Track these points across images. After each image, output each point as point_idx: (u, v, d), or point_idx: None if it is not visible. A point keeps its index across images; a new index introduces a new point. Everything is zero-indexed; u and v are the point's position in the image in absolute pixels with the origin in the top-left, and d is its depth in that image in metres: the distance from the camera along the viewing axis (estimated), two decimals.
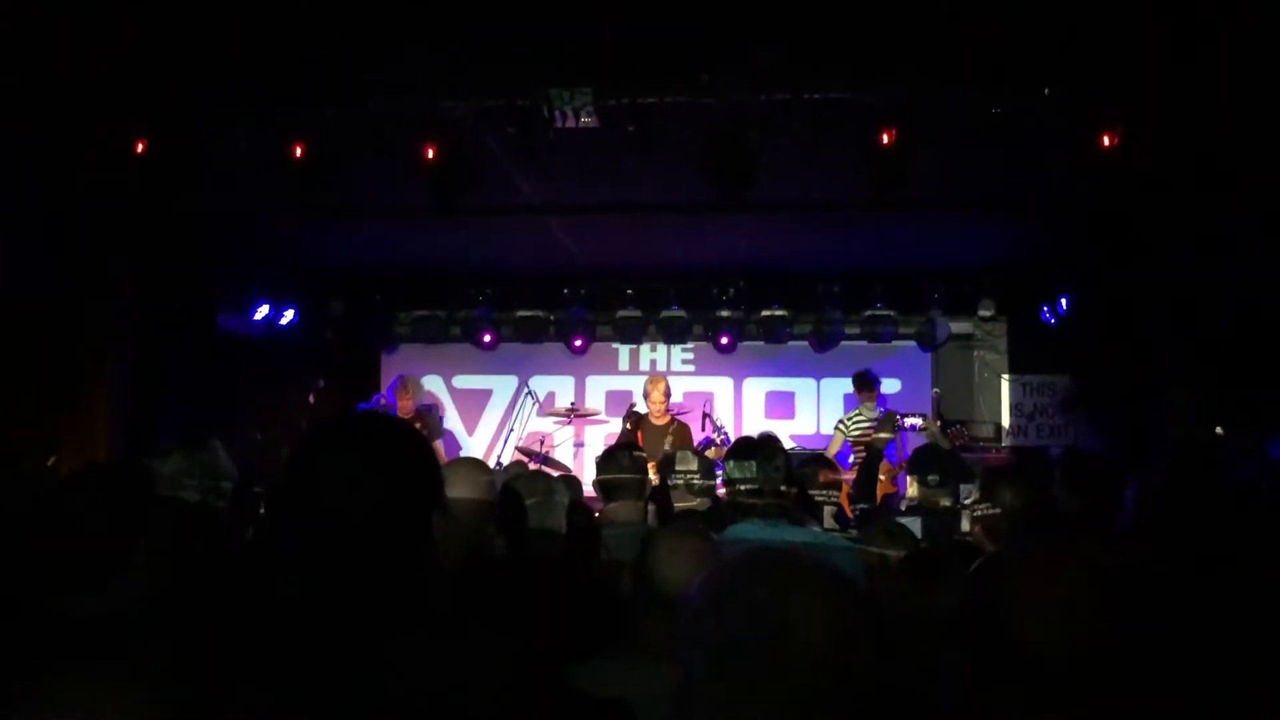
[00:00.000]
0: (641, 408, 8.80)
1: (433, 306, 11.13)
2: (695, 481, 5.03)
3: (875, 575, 3.45)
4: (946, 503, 4.97)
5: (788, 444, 7.92)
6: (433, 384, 11.43)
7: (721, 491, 3.65)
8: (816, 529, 3.37)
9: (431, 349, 11.28)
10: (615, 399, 10.61)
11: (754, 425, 10.79)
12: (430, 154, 6.86)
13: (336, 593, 1.57)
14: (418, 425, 9.36)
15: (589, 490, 8.16)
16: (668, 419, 8.82)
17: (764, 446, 3.39)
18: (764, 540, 3.13)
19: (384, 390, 10.65)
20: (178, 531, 2.35)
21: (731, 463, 3.38)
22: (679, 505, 4.49)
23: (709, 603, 1.24)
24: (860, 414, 9.29)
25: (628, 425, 8.98)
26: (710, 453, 9.02)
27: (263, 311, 10.23)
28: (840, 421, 9.35)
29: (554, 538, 3.50)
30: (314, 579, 1.58)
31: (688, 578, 2.45)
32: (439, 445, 9.75)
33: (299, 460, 1.65)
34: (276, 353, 10.34)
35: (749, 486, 3.32)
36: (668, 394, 8.97)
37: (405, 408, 9.79)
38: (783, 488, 3.31)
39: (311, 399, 10.10)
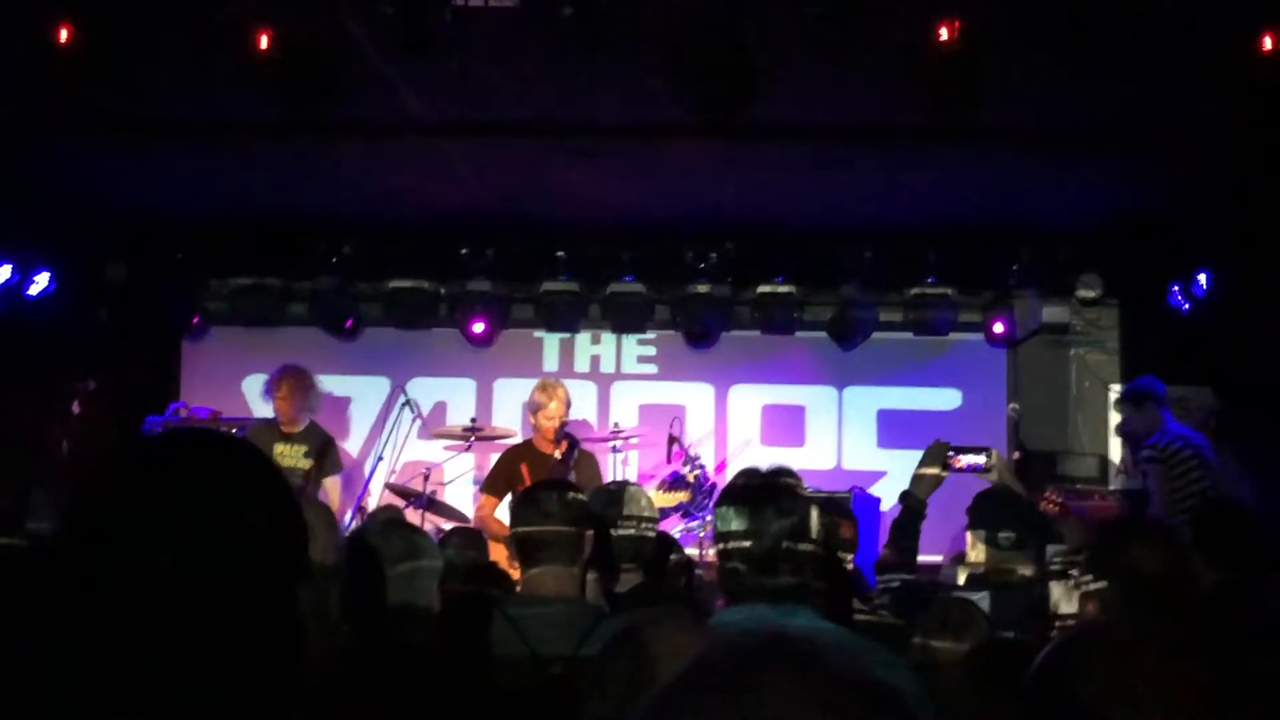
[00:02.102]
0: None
1: (262, 272, 11.13)
2: (644, 533, 5.13)
3: (934, 679, 3.57)
4: (1027, 571, 5.12)
5: None
6: (260, 387, 11.36)
7: (711, 554, 3.70)
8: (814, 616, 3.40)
9: (259, 335, 11.28)
10: None
11: (744, 455, 10.92)
12: (264, 44, 6.87)
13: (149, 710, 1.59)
14: (303, 450, 9.37)
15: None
16: (565, 445, 8.87)
17: (771, 487, 3.43)
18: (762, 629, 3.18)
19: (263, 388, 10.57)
20: None
21: (727, 509, 3.40)
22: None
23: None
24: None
25: (508, 455, 9.04)
26: (664, 496, 9.13)
27: (2, 274, 10.17)
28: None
29: (421, 620, 3.57)
30: (113, 694, 1.59)
31: None
32: (334, 482, 9.69)
33: (92, 513, 1.66)
34: (22, 338, 10.28)
35: (738, 545, 3.36)
36: (568, 407, 9.03)
37: (286, 416, 9.67)
38: (799, 545, 3.33)
39: (76, 408, 10.04)
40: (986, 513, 5.24)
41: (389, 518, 7.04)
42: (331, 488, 9.60)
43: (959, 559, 5.92)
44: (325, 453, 9.62)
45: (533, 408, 8.98)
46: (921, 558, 5.41)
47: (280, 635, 1.68)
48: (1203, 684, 1.84)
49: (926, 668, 3.82)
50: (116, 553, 1.61)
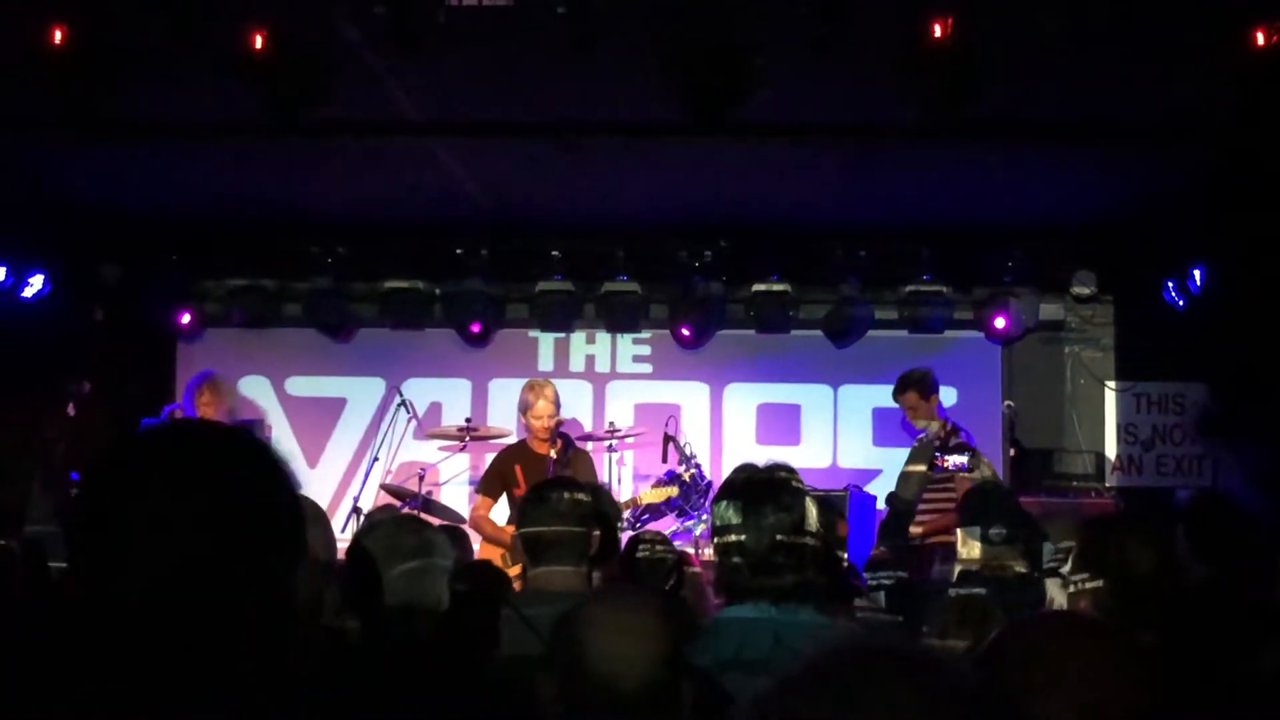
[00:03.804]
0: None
1: (258, 273, 11.13)
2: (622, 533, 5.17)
3: None
4: (1020, 568, 5.14)
5: None
6: (256, 388, 11.43)
7: (709, 552, 3.69)
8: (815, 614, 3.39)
9: (255, 336, 11.29)
10: None
11: (740, 453, 10.91)
12: (258, 44, 6.88)
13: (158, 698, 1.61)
14: None
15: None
16: (559, 445, 8.85)
17: (768, 482, 3.44)
18: (771, 633, 3.19)
19: (182, 398, 10.63)
20: None
21: (724, 504, 3.41)
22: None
23: None
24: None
25: (502, 456, 9.04)
26: (653, 492, 9.16)
27: None
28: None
29: (429, 618, 3.58)
30: (115, 686, 1.61)
31: (641, 671, 2.56)
32: None
33: (96, 498, 1.68)
34: (17, 339, 10.28)
35: (736, 540, 3.37)
36: (558, 405, 9.02)
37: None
38: (796, 539, 3.33)
39: (71, 410, 10.05)
40: (977, 510, 5.26)
41: (402, 515, 7.06)
42: None
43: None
44: None
45: (522, 408, 8.97)
46: None
47: (277, 623, 1.71)
48: (1142, 676, 1.87)
49: None
50: (118, 541, 1.64)
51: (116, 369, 10.92)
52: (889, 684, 1.25)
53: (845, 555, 5.12)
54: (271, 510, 1.73)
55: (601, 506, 4.84)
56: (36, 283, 10.44)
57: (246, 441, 1.78)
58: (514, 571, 6.69)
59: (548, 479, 5.38)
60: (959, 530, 5.31)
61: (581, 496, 4.29)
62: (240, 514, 1.68)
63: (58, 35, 6.83)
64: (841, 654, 1.30)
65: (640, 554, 5.78)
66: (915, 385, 9.42)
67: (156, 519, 1.64)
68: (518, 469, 8.77)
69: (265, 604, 1.69)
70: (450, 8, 6.56)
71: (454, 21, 6.59)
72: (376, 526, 3.76)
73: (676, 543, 7.22)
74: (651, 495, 9.11)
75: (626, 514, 8.99)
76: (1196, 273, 10.08)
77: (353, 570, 3.61)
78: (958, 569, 5.53)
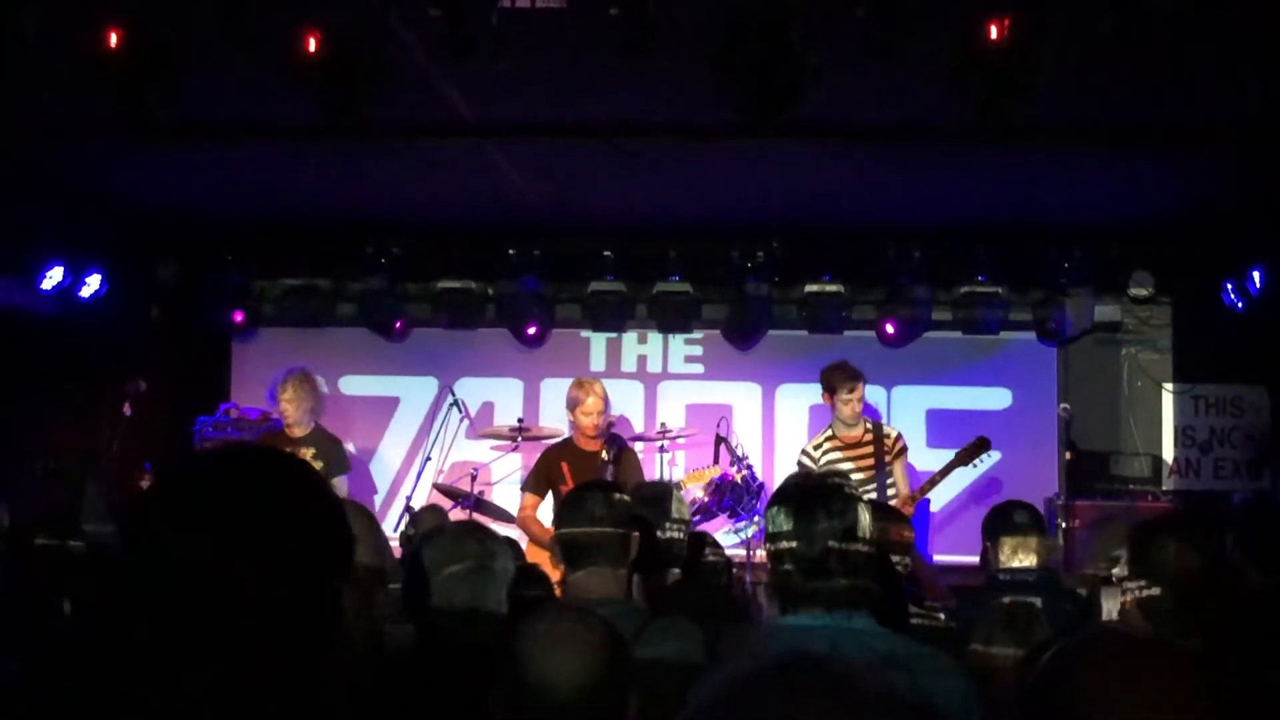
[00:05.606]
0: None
1: (312, 273, 11.21)
2: (684, 534, 5.14)
3: (987, 687, 3.53)
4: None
5: None
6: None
7: (759, 554, 3.68)
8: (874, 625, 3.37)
9: (309, 336, 11.36)
10: None
11: (792, 455, 10.87)
12: (312, 46, 6.90)
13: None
14: (311, 453, 9.47)
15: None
16: (604, 444, 8.84)
17: (821, 488, 3.42)
18: (826, 640, 3.17)
19: (233, 399, 10.72)
20: None
21: (777, 510, 3.39)
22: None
23: None
24: (828, 437, 9.38)
25: (549, 454, 9.04)
26: (696, 475, 9.14)
27: (55, 277, 10.25)
28: (805, 451, 9.41)
29: (488, 623, 3.58)
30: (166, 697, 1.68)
31: (581, 679, 2.59)
32: (341, 483, 9.82)
33: (139, 543, 1.76)
34: (74, 338, 10.37)
35: (788, 546, 3.35)
36: (606, 403, 9.01)
37: (292, 418, 9.78)
38: (849, 546, 3.31)
39: (127, 409, 10.12)
40: (999, 512, 5.27)
41: (465, 521, 7.08)
42: (339, 488, 9.71)
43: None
44: (332, 454, 9.71)
45: (571, 404, 8.97)
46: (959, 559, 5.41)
47: (319, 637, 1.79)
48: (1210, 696, 1.83)
49: (985, 673, 3.78)
50: (164, 578, 1.72)
51: (172, 368, 11.02)
52: (808, 699, 1.24)
53: (908, 560, 5.07)
54: (312, 538, 1.79)
55: (637, 510, 4.81)
56: (93, 282, 10.54)
57: (288, 469, 1.84)
58: (556, 575, 6.70)
59: (586, 482, 5.37)
60: (1003, 543, 5.29)
61: (619, 497, 4.26)
62: (282, 549, 1.75)
63: (113, 37, 6.87)
64: (763, 671, 1.29)
65: (707, 557, 5.75)
66: (861, 377, 9.32)
67: (199, 562, 1.71)
68: (564, 466, 8.78)
69: (308, 623, 1.76)
70: (503, 9, 6.56)
71: (507, 23, 6.58)
72: (433, 535, 3.76)
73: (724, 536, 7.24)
74: (693, 479, 9.12)
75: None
76: (1256, 274, 9.98)
77: (409, 575, 3.63)
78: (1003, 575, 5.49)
